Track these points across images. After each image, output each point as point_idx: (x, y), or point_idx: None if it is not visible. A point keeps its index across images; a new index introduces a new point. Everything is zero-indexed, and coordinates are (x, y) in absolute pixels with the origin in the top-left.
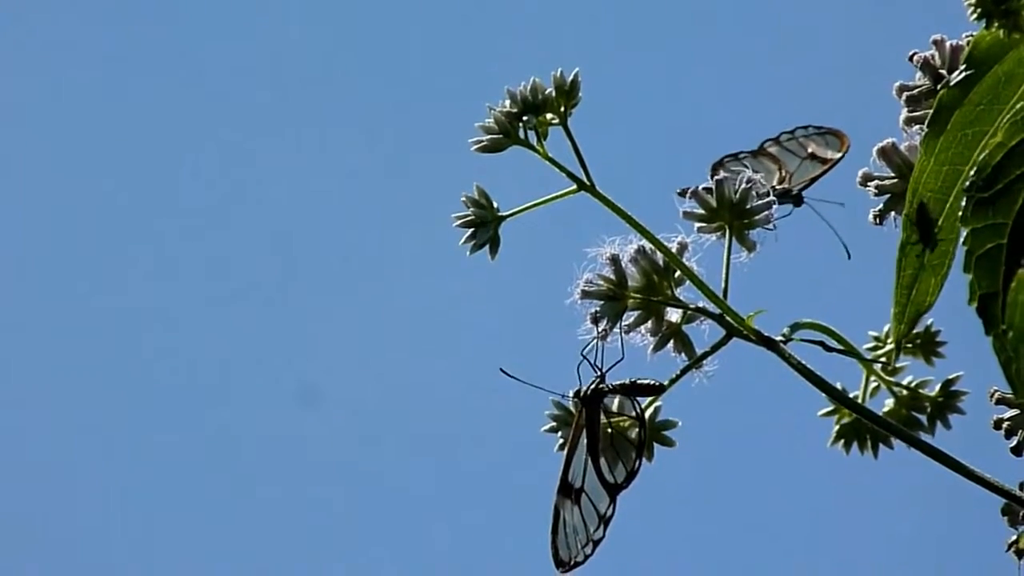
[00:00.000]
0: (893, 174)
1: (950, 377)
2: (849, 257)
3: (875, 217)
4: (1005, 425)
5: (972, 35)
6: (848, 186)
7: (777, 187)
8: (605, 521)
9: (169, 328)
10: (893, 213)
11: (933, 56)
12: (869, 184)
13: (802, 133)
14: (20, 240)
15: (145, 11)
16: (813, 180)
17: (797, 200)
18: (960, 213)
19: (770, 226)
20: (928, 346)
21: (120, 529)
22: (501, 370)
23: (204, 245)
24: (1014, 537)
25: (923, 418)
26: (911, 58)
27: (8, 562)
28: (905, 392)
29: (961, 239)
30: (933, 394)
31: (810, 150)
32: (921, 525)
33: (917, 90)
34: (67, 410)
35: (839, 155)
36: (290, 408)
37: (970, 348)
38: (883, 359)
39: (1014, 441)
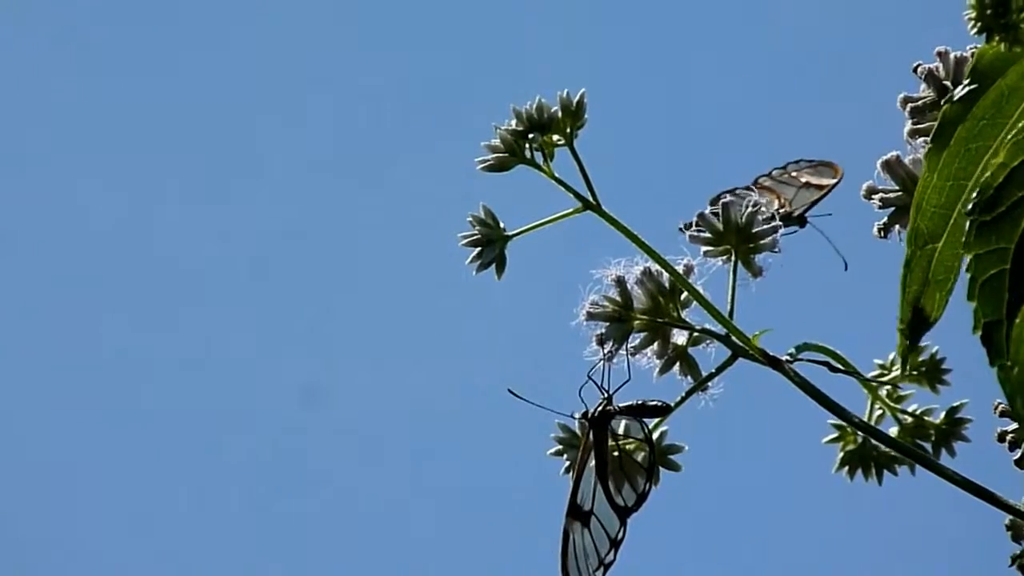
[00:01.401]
0: (897, 187)
1: (955, 404)
2: (846, 269)
3: (879, 230)
4: (1009, 438)
5: (976, 47)
6: (853, 201)
7: (779, 212)
8: (616, 544)
9: (169, 326)
10: (897, 226)
11: (937, 68)
12: (873, 197)
13: (794, 167)
14: (21, 241)
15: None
16: (813, 203)
17: (800, 222)
18: (964, 238)
19: (776, 250)
20: (933, 373)
21: (120, 529)
22: (509, 391)
23: (206, 243)
24: (1018, 552)
25: (928, 445)
26: (915, 70)
27: (9, 562)
28: (910, 419)
29: (964, 265)
30: (938, 421)
31: (804, 180)
32: (925, 540)
33: (921, 102)
34: (66, 409)
35: (834, 181)
36: (291, 411)
37: (974, 363)
38: (889, 384)
39: (1018, 453)
